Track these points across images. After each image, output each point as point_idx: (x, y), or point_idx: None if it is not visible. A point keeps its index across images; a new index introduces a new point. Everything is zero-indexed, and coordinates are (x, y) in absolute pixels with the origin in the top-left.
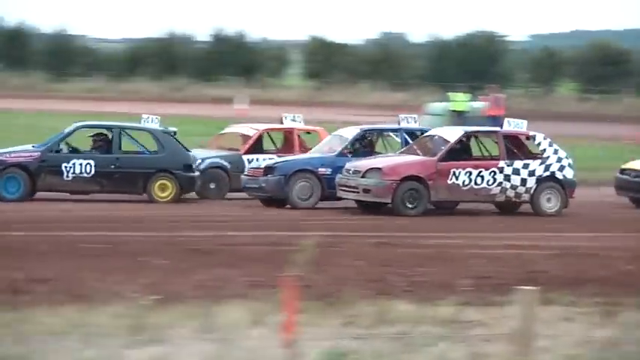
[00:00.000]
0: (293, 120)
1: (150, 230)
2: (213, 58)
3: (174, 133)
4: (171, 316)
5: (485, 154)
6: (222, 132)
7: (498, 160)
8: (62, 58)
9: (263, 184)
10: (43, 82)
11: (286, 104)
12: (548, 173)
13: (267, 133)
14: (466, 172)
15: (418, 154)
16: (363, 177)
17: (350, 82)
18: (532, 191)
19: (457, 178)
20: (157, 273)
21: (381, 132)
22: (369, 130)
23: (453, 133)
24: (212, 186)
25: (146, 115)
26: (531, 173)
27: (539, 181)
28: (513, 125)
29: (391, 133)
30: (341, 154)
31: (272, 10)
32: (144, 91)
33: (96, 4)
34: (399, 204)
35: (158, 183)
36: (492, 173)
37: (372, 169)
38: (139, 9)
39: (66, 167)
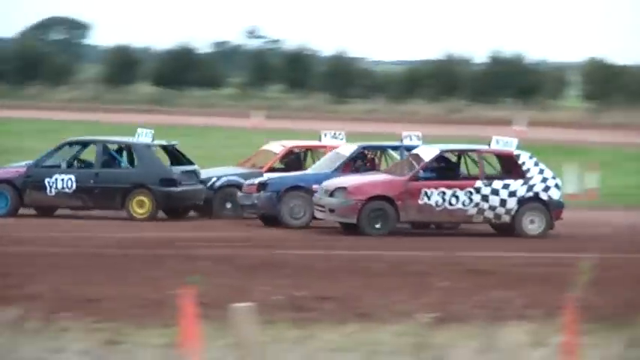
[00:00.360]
0: (334, 137)
1: (428, 250)
2: (490, 79)
3: (171, 146)
4: (452, 336)
5: (474, 173)
6: (260, 149)
7: (476, 179)
8: (342, 80)
9: (256, 201)
10: (324, 103)
11: (564, 126)
12: (531, 194)
13: (310, 150)
14: (439, 192)
15: (395, 173)
16: (330, 196)
17: (629, 104)
18: (513, 212)
19: (429, 199)
20: (437, 293)
21: (380, 149)
22: (367, 147)
23: (428, 152)
24: (228, 205)
25: (141, 129)
26: (512, 194)
27: (522, 202)
28: (502, 144)
29: (391, 151)
30: (336, 172)
31: (551, 32)
32: (422, 112)
33: (374, 26)
34: (364, 224)
35: (136, 199)
36: (468, 193)
37: (338, 188)
38: (417, 31)
39: (49, 182)
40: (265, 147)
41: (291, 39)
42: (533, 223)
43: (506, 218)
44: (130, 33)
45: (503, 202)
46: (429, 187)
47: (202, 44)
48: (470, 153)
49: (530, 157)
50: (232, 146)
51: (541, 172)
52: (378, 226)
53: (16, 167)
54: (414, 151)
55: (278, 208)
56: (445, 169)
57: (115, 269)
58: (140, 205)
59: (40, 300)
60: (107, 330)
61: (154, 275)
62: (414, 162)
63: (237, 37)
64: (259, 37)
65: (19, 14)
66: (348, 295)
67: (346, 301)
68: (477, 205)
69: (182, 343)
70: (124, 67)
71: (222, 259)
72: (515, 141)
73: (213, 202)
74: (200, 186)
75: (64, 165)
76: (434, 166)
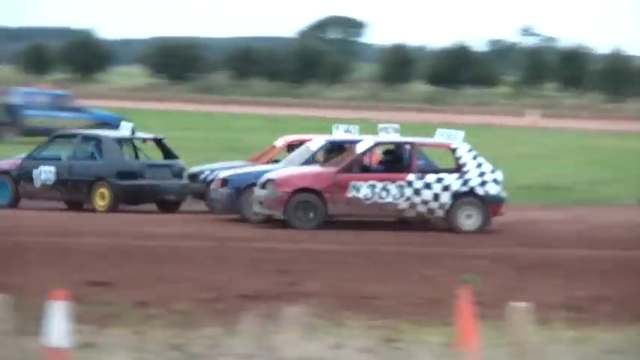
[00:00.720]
0: (347, 131)
1: None
2: None
3: (160, 139)
4: None
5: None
6: (272, 145)
7: (408, 173)
8: (618, 79)
9: (218, 197)
10: (599, 102)
11: None
12: (466, 188)
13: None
14: (369, 186)
15: (332, 166)
16: (262, 188)
17: None
18: (447, 207)
19: (358, 192)
20: None
21: (349, 143)
22: (334, 141)
23: (363, 144)
24: None
25: (124, 123)
26: (446, 188)
27: (456, 196)
28: (446, 136)
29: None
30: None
31: None
32: None
33: None
34: (291, 217)
35: (98, 191)
36: (399, 187)
37: (268, 180)
38: None
39: (35, 174)
40: (276, 142)
41: (567, 37)
42: (469, 219)
43: (440, 213)
44: (406, 32)
45: (436, 197)
46: (357, 180)
47: (477, 43)
48: (405, 145)
49: (469, 151)
50: (507, 145)
51: (479, 166)
52: (305, 219)
53: (16, 159)
54: (360, 144)
55: (237, 205)
56: (381, 161)
57: (391, 266)
58: (102, 198)
59: (318, 297)
60: (385, 328)
61: (430, 273)
62: (349, 153)
63: (512, 36)
64: (534, 35)
65: (298, 14)
66: (626, 296)
67: (623, 302)
68: (408, 199)
69: (459, 343)
70: (399, 65)
71: (499, 258)
72: (460, 134)
73: (205, 195)
74: (179, 180)
75: (63, 157)
76: (369, 158)
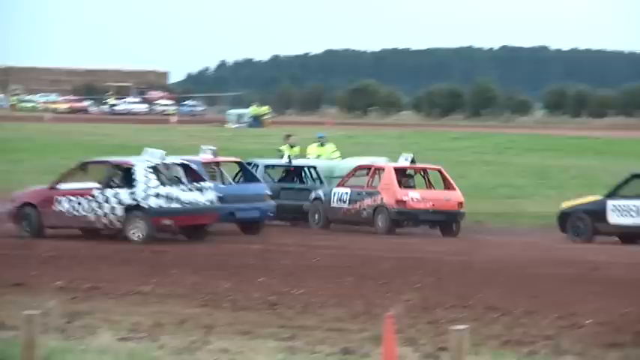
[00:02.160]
0: (405, 160)
1: None
2: None
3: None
4: None
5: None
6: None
7: (95, 188)
8: None
9: None
10: None
11: None
12: (134, 202)
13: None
14: (66, 200)
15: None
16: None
17: None
18: (122, 219)
19: (61, 205)
20: None
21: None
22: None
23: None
24: (316, 216)
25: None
26: (120, 202)
27: (128, 209)
28: (149, 154)
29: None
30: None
31: None
32: None
33: None
34: (19, 229)
35: None
36: (87, 201)
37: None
38: None
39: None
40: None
41: None
42: (137, 229)
43: (118, 225)
44: None
45: (113, 210)
46: (60, 195)
47: None
48: (105, 163)
49: (147, 168)
50: None
51: (147, 181)
52: (29, 230)
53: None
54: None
55: None
56: (77, 179)
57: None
58: None
59: None
60: None
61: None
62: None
63: None
64: None
65: None
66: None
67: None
68: (94, 211)
69: None
70: None
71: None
72: (159, 152)
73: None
74: (302, 202)
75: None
76: (72, 174)
